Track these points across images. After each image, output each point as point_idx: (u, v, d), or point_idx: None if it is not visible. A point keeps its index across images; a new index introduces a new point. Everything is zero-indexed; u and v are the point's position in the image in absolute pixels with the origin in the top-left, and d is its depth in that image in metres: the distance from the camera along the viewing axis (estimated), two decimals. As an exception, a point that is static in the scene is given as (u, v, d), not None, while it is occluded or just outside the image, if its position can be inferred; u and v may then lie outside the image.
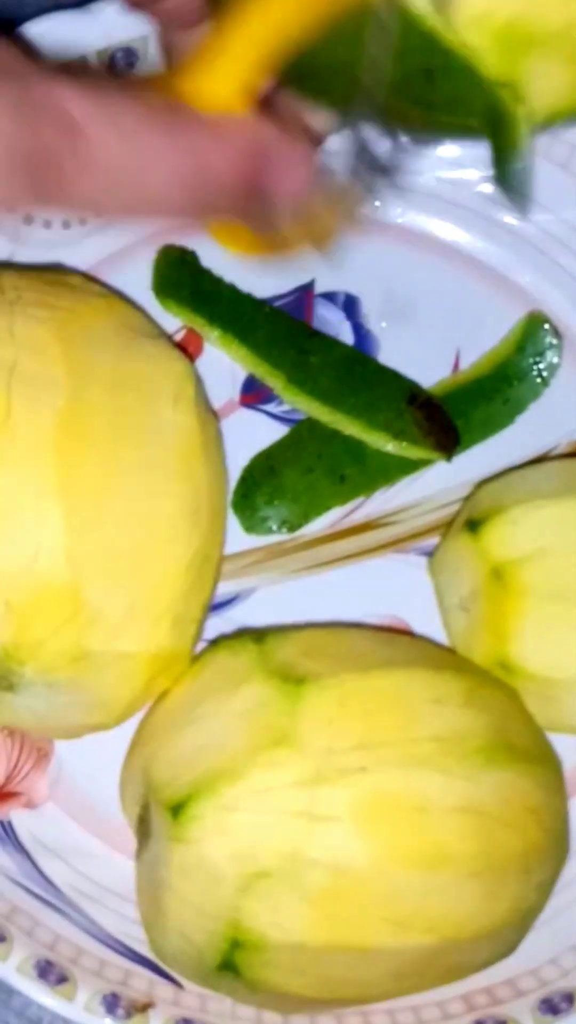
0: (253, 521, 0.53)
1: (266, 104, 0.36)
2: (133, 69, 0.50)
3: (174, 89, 0.35)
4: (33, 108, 0.31)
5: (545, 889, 0.46)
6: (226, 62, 0.35)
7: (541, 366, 0.54)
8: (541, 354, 0.54)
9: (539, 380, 0.54)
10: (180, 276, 0.53)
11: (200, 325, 0.53)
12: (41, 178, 0.31)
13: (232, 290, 0.53)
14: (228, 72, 0.35)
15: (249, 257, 0.42)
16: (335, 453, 0.53)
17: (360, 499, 0.54)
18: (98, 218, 0.34)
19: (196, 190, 0.34)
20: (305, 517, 0.53)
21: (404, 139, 0.38)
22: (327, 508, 0.53)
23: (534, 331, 0.54)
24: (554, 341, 0.54)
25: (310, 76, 0.36)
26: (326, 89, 0.37)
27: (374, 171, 0.38)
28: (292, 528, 0.53)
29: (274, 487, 0.53)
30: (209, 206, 0.35)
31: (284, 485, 0.53)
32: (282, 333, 0.53)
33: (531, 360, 0.54)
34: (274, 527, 0.53)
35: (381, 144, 0.38)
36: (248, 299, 0.53)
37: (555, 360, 0.54)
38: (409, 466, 0.53)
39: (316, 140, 0.37)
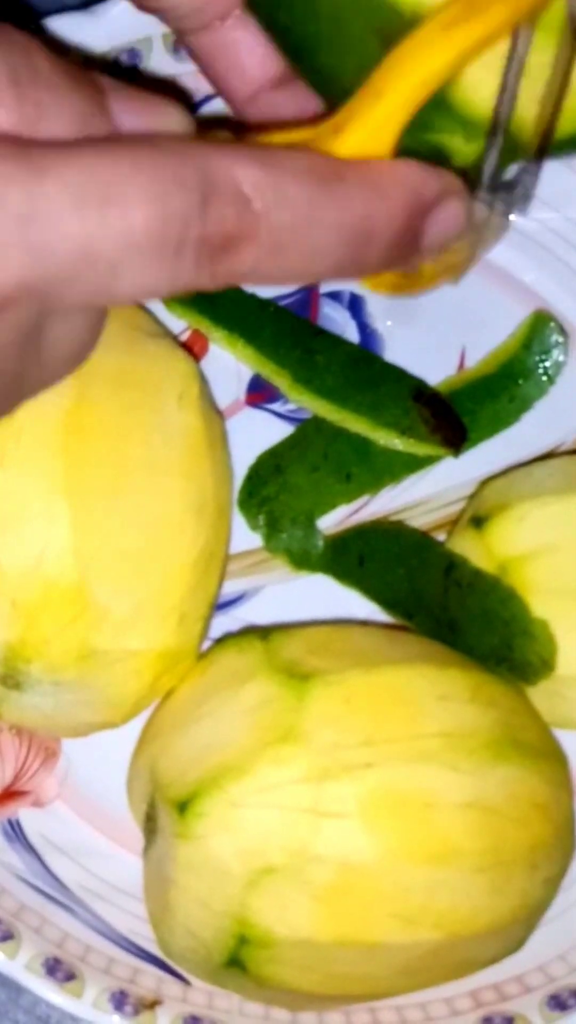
0: (259, 520, 0.53)
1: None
2: (137, 70, 0.50)
3: (329, 145, 0.34)
4: (212, 187, 0.30)
5: (552, 885, 0.46)
6: (385, 115, 0.33)
7: (547, 364, 0.54)
8: (547, 352, 0.54)
9: (545, 378, 0.54)
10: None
11: (205, 326, 0.53)
12: (213, 258, 0.30)
13: (236, 290, 0.53)
14: (387, 125, 0.33)
15: (388, 294, 0.42)
16: (341, 451, 0.53)
17: (366, 497, 0.54)
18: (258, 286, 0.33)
19: (360, 250, 0.33)
20: (311, 517, 0.53)
21: (528, 162, 0.38)
22: (333, 506, 0.53)
23: (540, 329, 0.54)
24: (560, 339, 0.54)
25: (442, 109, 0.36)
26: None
27: (507, 198, 0.38)
28: (299, 527, 0.53)
29: (280, 485, 0.53)
30: (368, 266, 0.34)
31: (290, 483, 0.53)
32: (287, 332, 0.53)
33: (537, 358, 0.54)
34: (290, 532, 0.53)
35: (509, 170, 0.38)
36: (253, 299, 0.53)
37: (561, 358, 0.54)
38: (415, 463, 0.53)
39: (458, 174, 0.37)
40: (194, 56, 0.42)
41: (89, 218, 0.28)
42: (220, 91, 0.42)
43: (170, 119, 0.33)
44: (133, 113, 0.33)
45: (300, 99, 0.41)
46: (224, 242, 0.30)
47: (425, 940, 0.43)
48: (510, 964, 0.47)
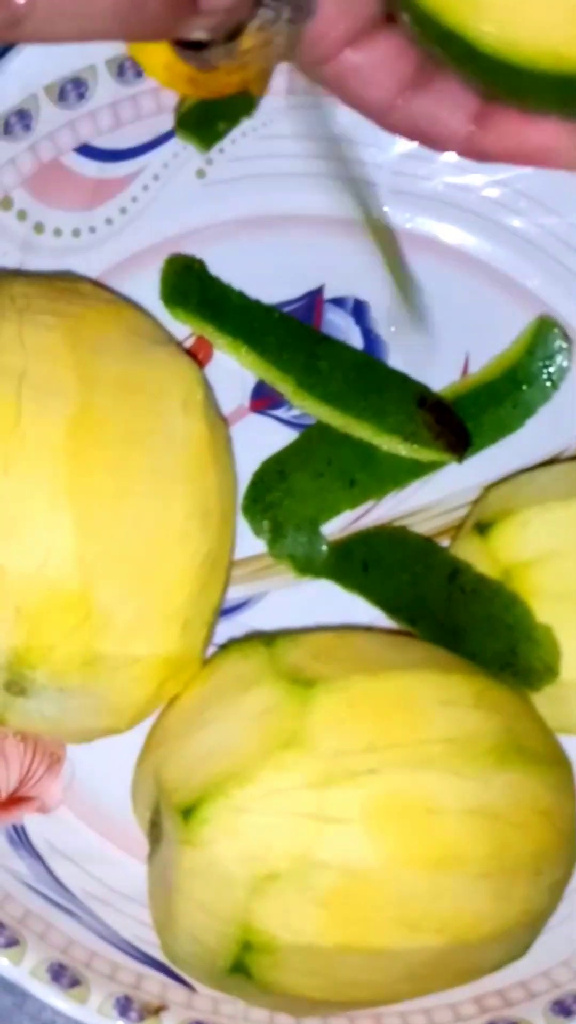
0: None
1: None
2: (141, 77, 0.50)
3: None
4: None
5: (556, 891, 0.46)
6: None
7: (551, 369, 0.54)
8: (551, 358, 0.54)
9: (549, 384, 0.54)
10: (188, 285, 0.53)
11: (209, 333, 0.53)
12: None
13: (240, 297, 0.53)
14: None
15: (184, 93, 0.42)
16: (345, 457, 0.53)
17: (370, 503, 0.54)
18: (42, 41, 0.34)
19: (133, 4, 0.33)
20: (316, 523, 0.53)
21: None
22: (338, 512, 0.53)
23: (544, 335, 0.54)
24: (564, 345, 0.54)
25: None
26: None
27: (293, 9, 0.38)
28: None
29: (284, 492, 0.53)
30: (147, 16, 0.34)
31: (294, 489, 0.53)
32: (291, 339, 0.53)
33: (541, 364, 0.54)
34: (295, 538, 0.53)
35: None
36: (257, 306, 0.53)
37: (565, 364, 0.54)
38: (419, 469, 0.53)
39: None
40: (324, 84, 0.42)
41: None
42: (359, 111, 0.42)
43: None
44: None
45: (447, 98, 0.41)
46: None
47: (429, 946, 0.43)
48: (514, 970, 0.47)
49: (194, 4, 0.35)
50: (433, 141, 0.42)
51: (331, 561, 0.52)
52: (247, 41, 0.38)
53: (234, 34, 0.38)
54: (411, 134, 0.41)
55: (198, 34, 0.37)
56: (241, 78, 0.40)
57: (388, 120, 0.42)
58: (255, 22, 0.38)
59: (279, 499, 0.53)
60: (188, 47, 0.38)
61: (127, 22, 0.34)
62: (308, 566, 0.52)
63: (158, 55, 0.40)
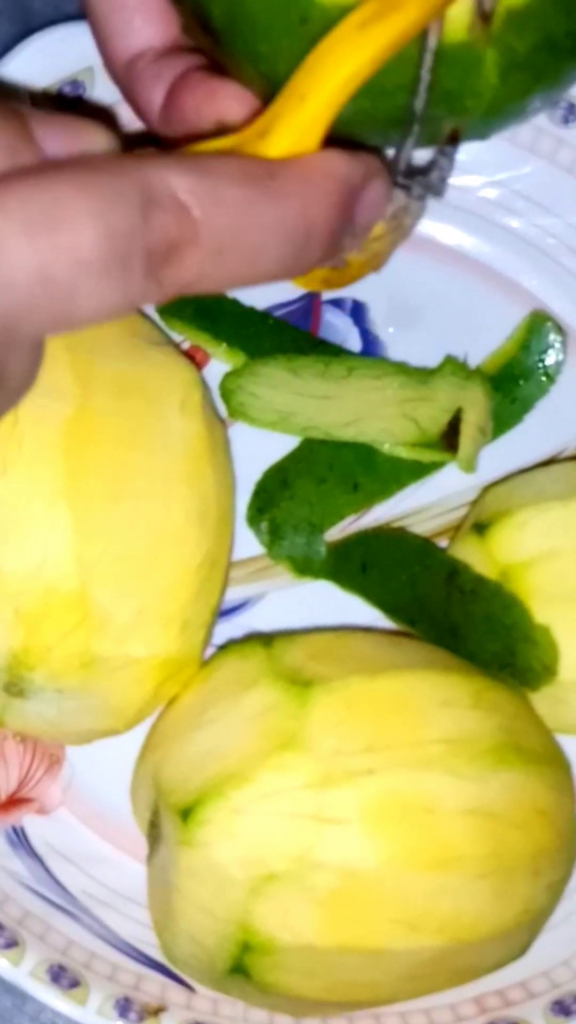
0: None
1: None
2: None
3: (256, 150, 0.34)
4: (151, 200, 0.30)
5: (555, 891, 0.46)
6: (309, 118, 0.34)
7: (546, 363, 0.54)
8: (545, 351, 0.54)
9: (545, 378, 0.54)
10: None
11: (205, 341, 0.53)
12: (160, 268, 0.31)
13: (235, 304, 0.53)
14: (312, 127, 0.34)
15: (319, 290, 0.43)
16: (346, 462, 0.53)
17: (369, 504, 0.54)
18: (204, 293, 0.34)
19: (301, 244, 0.33)
20: (320, 528, 0.53)
21: (443, 147, 0.38)
22: (341, 517, 0.53)
23: (538, 329, 0.54)
24: (558, 338, 0.54)
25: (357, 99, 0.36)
26: (373, 113, 0.37)
27: (423, 182, 0.38)
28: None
29: (288, 499, 0.53)
30: (311, 259, 0.34)
31: (298, 496, 0.53)
32: (287, 344, 0.53)
33: (536, 358, 0.54)
34: (293, 539, 0.53)
35: (425, 158, 0.39)
36: (251, 312, 0.53)
37: (560, 357, 0.54)
38: (421, 470, 0.53)
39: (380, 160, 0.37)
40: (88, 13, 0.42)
41: (40, 244, 0.28)
42: (103, 53, 0.42)
43: (94, 140, 0.34)
44: (58, 139, 0.33)
45: (185, 65, 0.40)
46: (168, 250, 0.31)
47: (428, 946, 0.43)
48: (514, 970, 0.47)
49: (351, 231, 0.35)
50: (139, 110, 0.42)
51: (330, 562, 0.52)
52: (378, 229, 0.38)
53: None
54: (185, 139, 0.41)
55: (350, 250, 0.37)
56: (371, 264, 0.40)
57: (126, 72, 0.41)
58: (388, 210, 0.38)
59: (284, 507, 0.53)
60: None
61: (291, 269, 0.34)
62: (307, 567, 0.52)
63: None
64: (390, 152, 0.38)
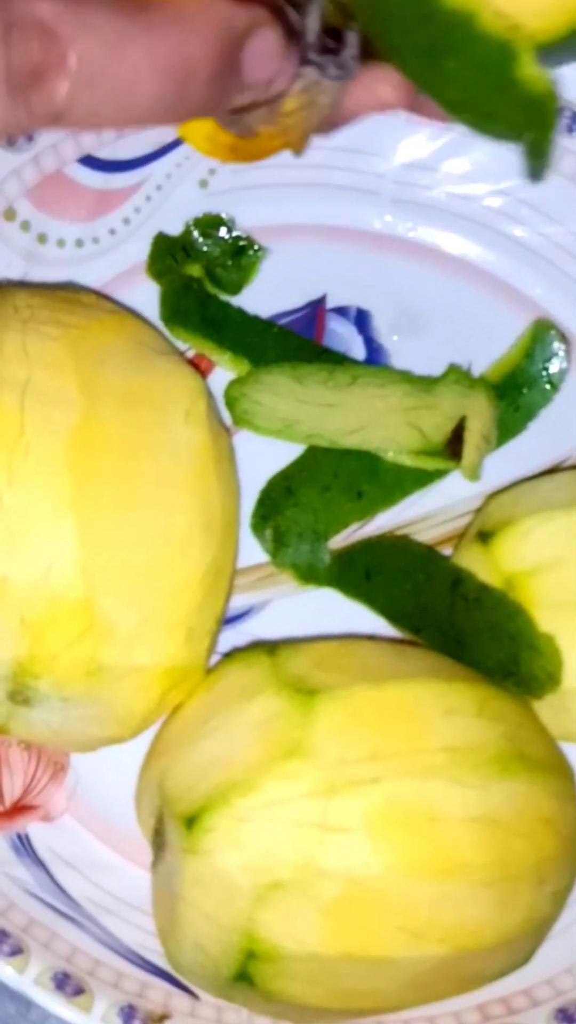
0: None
1: None
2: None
3: None
4: (13, 23, 0.30)
5: (559, 899, 0.46)
6: None
7: (550, 371, 0.54)
8: (549, 360, 0.54)
9: (549, 386, 0.54)
10: (187, 304, 0.53)
11: (210, 350, 0.53)
12: (25, 90, 0.31)
13: (240, 313, 0.53)
14: None
15: (226, 161, 0.42)
16: (351, 470, 0.53)
17: (373, 512, 0.54)
18: (84, 129, 0.34)
19: (176, 82, 0.33)
20: (325, 536, 0.53)
21: (351, 30, 0.38)
22: (346, 525, 0.53)
23: (541, 337, 0.54)
24: (561, 346, 0.54)
25: None
26: None
27: (336, 61, 0.38)
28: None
29: (292, 507, 0.53)
30: (189, 98, 0.34)
31: (302, 504, 0.53)
32: (291, 352, 0.53)
33: (540, 366, 0.54)
34: (297, 547, 0.53)
35: (343, 40, 0.38)
36: (256, 321, 0.53)
37: (564, 365, 0.54)
38: (425, 478, 0.54)
39: (288, 29, 0.37)
40: None
41: None
42: None
43: None
44: None
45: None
46: (32, 73, 0.31)
47: (432, 954, 0.43)
48: (518, 977, 0.47)
49: (238, 81, 0.35)
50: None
51: (334, 570, 0.52)
52: (289, 103, 0.37)
53: (276, 97, 0.37)
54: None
55: (241, 103, 0.36)
56: (283, 141, 0.39)
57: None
58: (298, 84, 0.37)
59: (288, 515, 0.53)
60: (228, 113, 0.38)
61: (171, 108, 0.34)
62: (311, 575, 0.53)
63: (198, 125, 0.40)
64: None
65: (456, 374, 0.52)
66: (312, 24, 0.37)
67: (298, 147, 0.40)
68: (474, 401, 0.52)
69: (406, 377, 0.53)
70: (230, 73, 0.35)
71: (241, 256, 0.54)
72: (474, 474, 0.52)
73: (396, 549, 0.52)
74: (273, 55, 0.36)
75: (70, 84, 0.31)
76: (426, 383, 0.52)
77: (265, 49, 0.35)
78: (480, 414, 0.52)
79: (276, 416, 0.52)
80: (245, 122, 0.38)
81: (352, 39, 0.38)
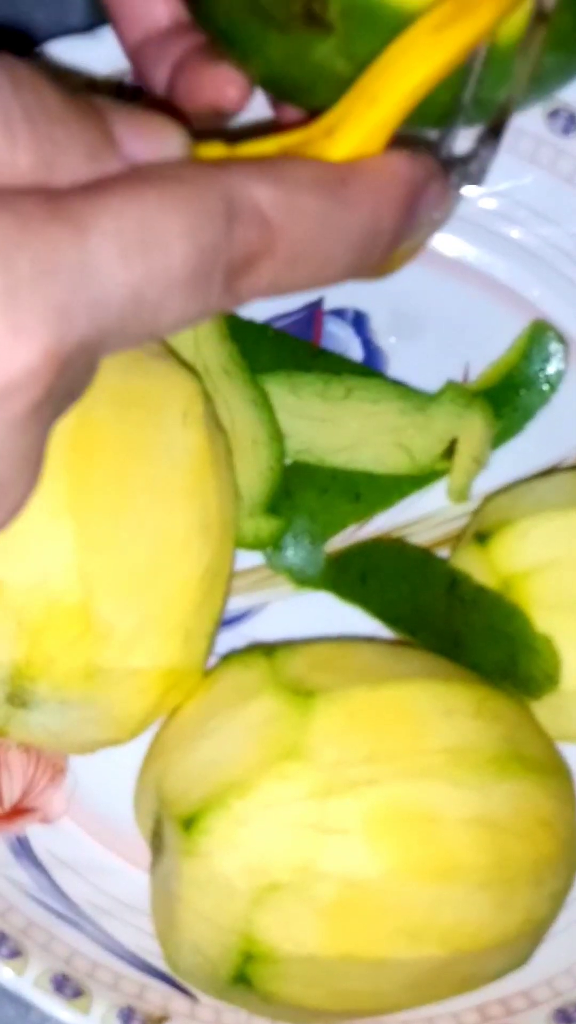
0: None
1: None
2: (140, 89, 0.50)
3: (322, 148, 0.34)
4: (235, 212, 0.30)
5: (558, 900, 0.46)
6: (379, 119, 0.34)
7: (548, 372, 0.54)
8: (547, 361, 0.54)
9: (547, 387, 0.54)
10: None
11: None
12: (237, 279, 0.31)
13: (233, 317, 0.54)
14: (380, 129, 0.34)
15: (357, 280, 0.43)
16: (348, 471, 0.53)
17: (370, 513, 0.54)
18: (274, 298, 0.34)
19: (368, 249, 0.34)
20: (322, 538, 0.53)
21: (483, 139, 0.38)
22: (344, 526, 0.53)
23: (539, 338, 0.54)
24: (559, 347, 0.54)
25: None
26: (424, 109, 0.37)
27: (463, 172, 0.38)
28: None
29: (290, 510, 0.53)
30: (377, 260, 0.34)
31: (300, 506, 0.53)
32: (287, 355, 0.53)
33: (537, 367, 0.54)
34: (292, 550, 0.53)
35: (466, 151, 0.39)
36: (250, 325, 0.53)
37: (561, 366, 0.54)
38: (423, 479, 0.54)
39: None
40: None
41: (135, 266, 0.28)
42: (118, 36, 0.43)
43: (172, 139, 0.34)
44: (138, 140, 0.33)
45: (185, 45, 0.41)
46: (247, 262, 0.31)
47: (430, 956, 0.43)
48: (517, 978, 0.47)
49: (412, 231, 0.35)
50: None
51: (329, 573, 0.52)
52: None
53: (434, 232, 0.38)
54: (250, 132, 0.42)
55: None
56: (410, 255, 0.40)
57: (138, 51, 0.42)
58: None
59: (286, 517, 0.53)
60: None
61: (356, 271, 0.34)
62: (306, 578, 0.53)
63: None
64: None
65: (453, 392, 0.52)
66: (451, 145, 0.38)
67: (414, 256, 0.40)
68: (468, 422, 0.52)
69: (402, 392, 0.53)
70: (409, 227, 0.35)
71: None
72: (461, 496, 0.52)
73: (391, 552, 0.52)
74: (443, 201, 0.36)
75: (274, 267, 0.31)
76: (421, 400, 0.52)
77: (436, 199, 0.36)
78: (472, 436, 0.52)
79: None
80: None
81: (483, 152, 0.38)
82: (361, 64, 0.34)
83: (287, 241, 0.31)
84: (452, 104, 0.36)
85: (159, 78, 0.41)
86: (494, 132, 0.38)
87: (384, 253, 0.34)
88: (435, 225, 0.38)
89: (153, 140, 0.33)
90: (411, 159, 0.35)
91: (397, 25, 0.34)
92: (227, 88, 0.39)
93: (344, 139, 0.34)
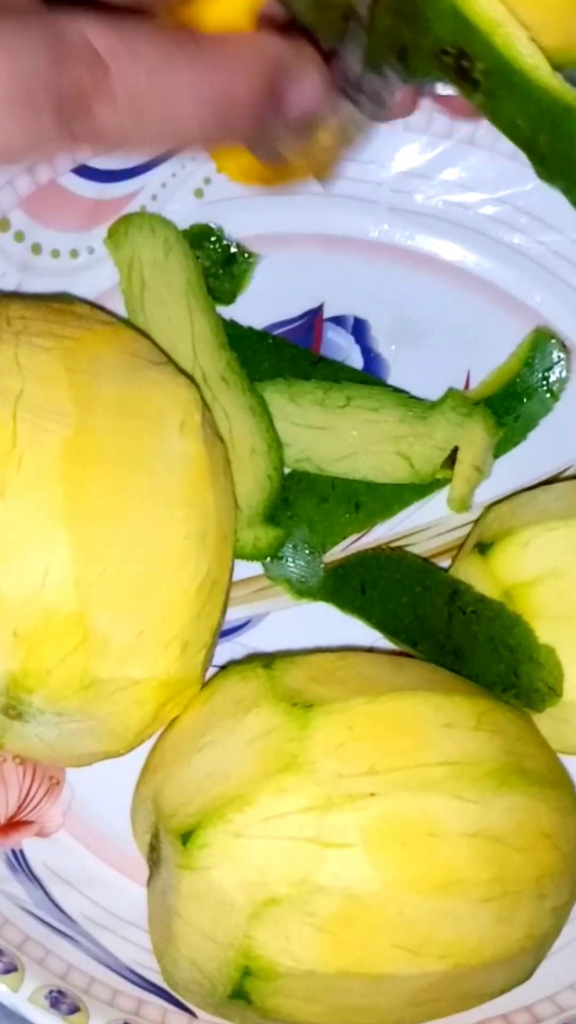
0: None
1: (267, 24, 0.37)
2: None
3: (185, 16, 0.35)
4: (62, 45, 0.31)
5: (560, 914, 0.46)
6: None
7: (550, 381, 0.54)
8: (549, 369, 0.54)
9: (549, 395, 0.54)
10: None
11: None
12: (70, 115, 0.31)
13: (233, 326, 0.53)
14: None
15: (255, 187, 0.43)
16: (348, 480, 0.53)
17: (370, 523, 0.54)
18: (124, 151, 0.35)
19: (219, 113, 0.34)
20: (322, 548, 0.53)
21: (391, 69, 0.38)
22: (344, 536, 0.53)
23: (541, 346, 0.54)
24: (562, 355, 0.54)
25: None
26: (319, 14, 0.37)
27: (366, 98, 0.38)
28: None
29: (288, 519, 0.53)
30: (230, 129, 0.35)
31: (300, 516, 0.53)
32: (286, 363, 0.53)
33: (540, 375, 0.54)
34: (291, 560, 0.53)
35: (372, 73, 0.39)
36: (249, 332, 0.53)
37: (564, 374, 0.54)
38: (423, 489, 0.53)
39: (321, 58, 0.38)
40: None
41: None
42: None
43: None
44: None
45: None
46: (79, 99, 0.31)
47: (431, 971, 0.43)
48: (519, 994, 0.47)
49: (279, 114, 0.36)
50: None
51: (329, 583, 0.52)
52: (324, 136, 0.38)
53: (311, 129, 0.38)
54: None
55: (278, 135, 0.37)
56: (312, 169, 0.40)
57: None
58: (334, 118, 0.38)
59: (285, 527, 0.52)
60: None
61: (210, 132, 0.34)
62: (305, 589, 0.52)
63: (229, 151, 0.41)
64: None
65: (454, 400, 0.52)
66: (351, 61, 0.38)
67: (326, 176, 0.40)
68: (469, 431, 0.52)
69: (402, 400, 0.52)
70: (272, 106, 0.35)
71: (232, 264, 0.54)
72: (462, 506, 0.52)
73: (391, 563, 0.52)
74: (315, 91, 0.37)
75: (114, 111, 0.32)
76: (422, 408, 0.52)
77: (308, 86, 0.36)
78: (474, 445, 0.52)
79: None
80: (276, 151, 0.38)
81: (392, 76, 0.38)
82: None
83: (125, 87, 0.32)
84: (345, 22, 0.36)
85: None
86: (400, 56, 0.37)
87: (244, 124, 0.34)
88: (344, 145, 0.38)
89: None
90: (277, 39, 0.35)
91: None
92: None
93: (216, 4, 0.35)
